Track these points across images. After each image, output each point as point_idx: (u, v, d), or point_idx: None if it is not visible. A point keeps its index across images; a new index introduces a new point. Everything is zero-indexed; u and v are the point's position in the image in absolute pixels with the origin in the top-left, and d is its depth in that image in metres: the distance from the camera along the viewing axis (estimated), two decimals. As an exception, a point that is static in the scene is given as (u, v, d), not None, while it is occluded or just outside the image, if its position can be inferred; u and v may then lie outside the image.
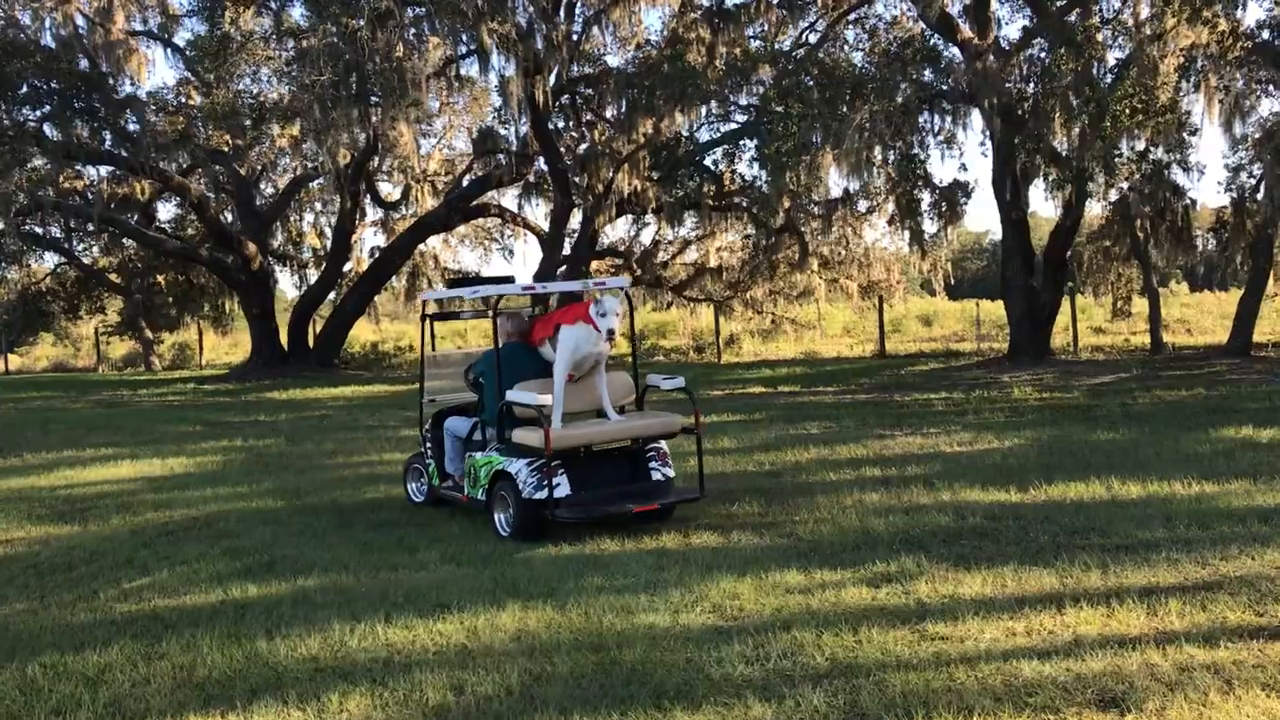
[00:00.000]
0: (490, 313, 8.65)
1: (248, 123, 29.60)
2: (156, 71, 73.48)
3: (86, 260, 36.56)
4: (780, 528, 7.77)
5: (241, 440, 14.62)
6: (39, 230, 33.40)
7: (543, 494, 7.68)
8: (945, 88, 18.86)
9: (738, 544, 7.33)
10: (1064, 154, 19.62)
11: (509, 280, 9.36)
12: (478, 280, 9.60)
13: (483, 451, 8.38)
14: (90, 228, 32.94)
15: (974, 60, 18.81)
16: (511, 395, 8.00)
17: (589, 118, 30.36)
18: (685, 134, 20.55)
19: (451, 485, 8.94)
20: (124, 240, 33.50)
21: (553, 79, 26.11)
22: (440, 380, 9.83)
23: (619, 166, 26.16)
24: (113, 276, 37.14)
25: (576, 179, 27.62)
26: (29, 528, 9.24)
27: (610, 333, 7.84)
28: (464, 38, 21.97)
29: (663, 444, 8.41)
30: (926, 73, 19.68)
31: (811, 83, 17.26)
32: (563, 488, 7.75)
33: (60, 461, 13.14)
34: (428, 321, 9.71)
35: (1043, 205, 43.67)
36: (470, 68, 27.67)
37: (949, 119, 19.38)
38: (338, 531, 8.42)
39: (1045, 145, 18.88)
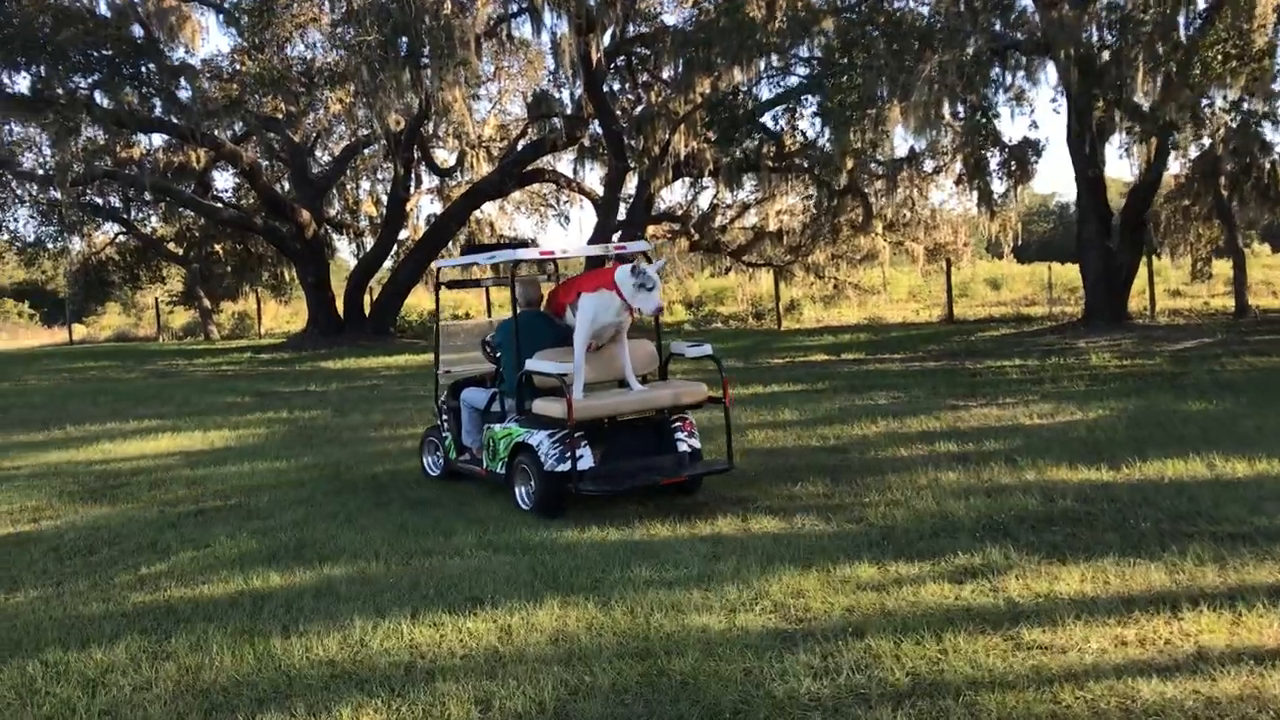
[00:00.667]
0: (509, 280, 8.33)
1: (300, 89, 29.30)
2: (210, 39, 73.70)
3: (145, 230, 36.63)
4: (848, 511, 7.10)
5: (288, 412, 14.22)
6: (98, 200, 33.54)
7: (565, 466, 7.33)
8: (1019, 38, 17.78)
9: (802, 530, 6.68)
10: (1146, 108, 18.49)
11: (525, 245, 8.91)
12: (494, 246, 9.13)
13: (501, 423, 8.02)
14: (147, 197, 32.97)
15: (1048, 9, 17.74)
16: (531, 364, 7.63)
17: (645, 79, 29.61)
18: (744, 90, 19.54)
19: (469, 458, 8.59)
20: (181, 209, 33.44)
21: (607, 38, 25.39)
22: (456, 351, 9.56)
23: (675, 127, 25.41)
24: (171, 246, 37.20)
25: (632, 142, 26.91)
26: (58, 506, 8.85)
27: (658, 310, 7.51)
28: (515, -5, 21.24)
29: (688, 414, 8.02)
30: (996, 24, 18.62)
31: (877, 33, 16.25)
32: (586, 459, 7.40)
33: (102, 434, 12.82)
34: (476, 290, 9.20)
35: (1115, 165, 42.02)
36: (522, 27, 27.04)
37: (1021, 73, 18.28)
38: (373, 511, 7.90)
39: (1126, 98, 17.76)
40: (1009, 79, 17.95)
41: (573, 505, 7.57)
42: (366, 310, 30.98)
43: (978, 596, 5.20)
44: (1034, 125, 36.99)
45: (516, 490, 7.77)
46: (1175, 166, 22.63)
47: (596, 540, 6.68)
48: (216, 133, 25.65)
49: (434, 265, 9.46)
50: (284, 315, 41.18)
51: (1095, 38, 18.73)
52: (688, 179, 30.76)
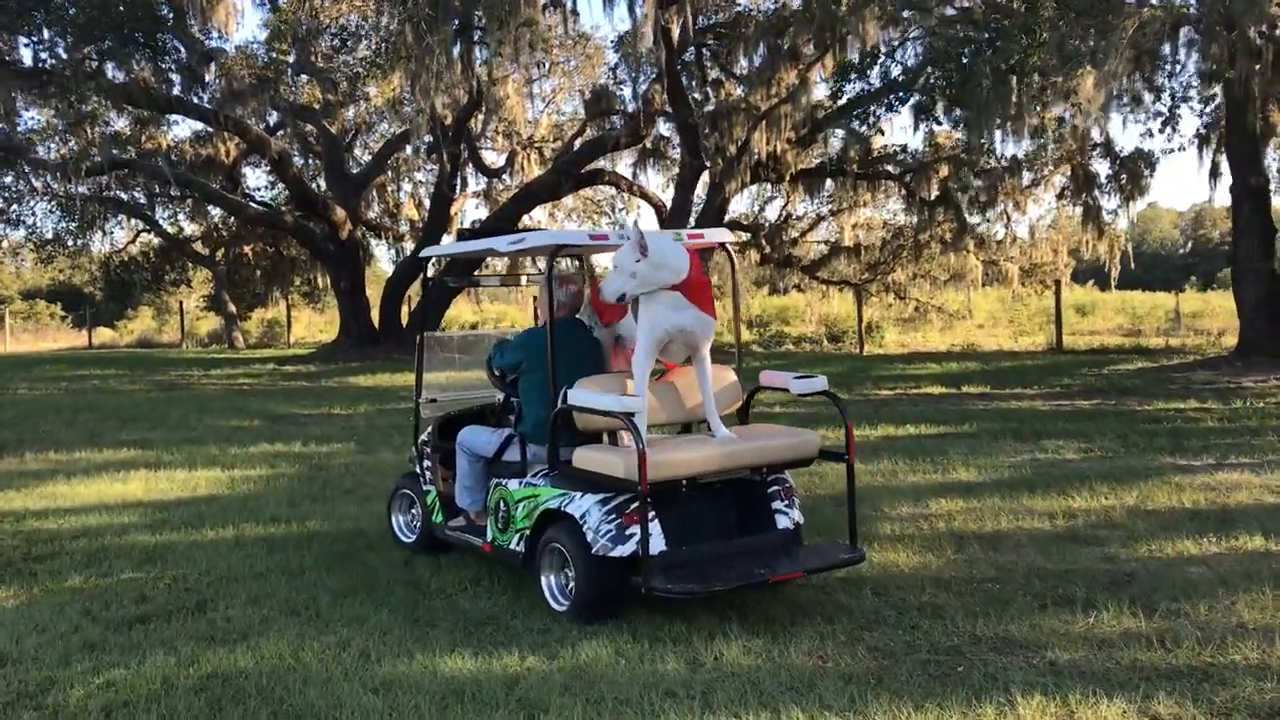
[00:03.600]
0: (525, 277, 6.71)
1: (342, 81, 26.75)
2: (246, 25, 72.58)
3: (171, 229, 34.13)
4: (1228, 682, 4.07)
5: (301, 443, 11.33)
6: (121, 195, 31.10)
7: (626, 549, 4.99)
8: (1195, 12, 14.67)
9: (1186, 736, 3.67)
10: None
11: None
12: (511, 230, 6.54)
13: (520, 480, 5.63)
14: (172, 192, 30.44)
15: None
16: (577, 396, 5.27)
17: (715, 75, 26.70)
18: (889, 47, 15.92)
19: (464, 525, 6.19)
20: (208, 205, 30.83)
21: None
22: (448, 373, 7.30)
23: (756, 124, 22.56)
24: (198, 246, 34.68)
25: (705, 141, 24.06)
26: (-55, 591, 5.99)
27: (621, 297, 5.27)
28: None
29: (788, 476, 5.69)
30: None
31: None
32: (656, 540, 5.01)
33: (61, 469, 9.96)
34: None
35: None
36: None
37: (1195, 54, 15.11)
38: (405, 640, 4.92)
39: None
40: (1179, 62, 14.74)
41: (638, 607, 4.95)
42: (404, 320, 28.23)
43: None
44: (1169, 126, 31.44)
45: (545, 580, 5.40)
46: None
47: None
48: (243, 117, 22.86)
49: (426, 252, 6.50)
50: (318, 324, 38.58)
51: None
52: (756, 187, 27.99)
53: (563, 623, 5.07)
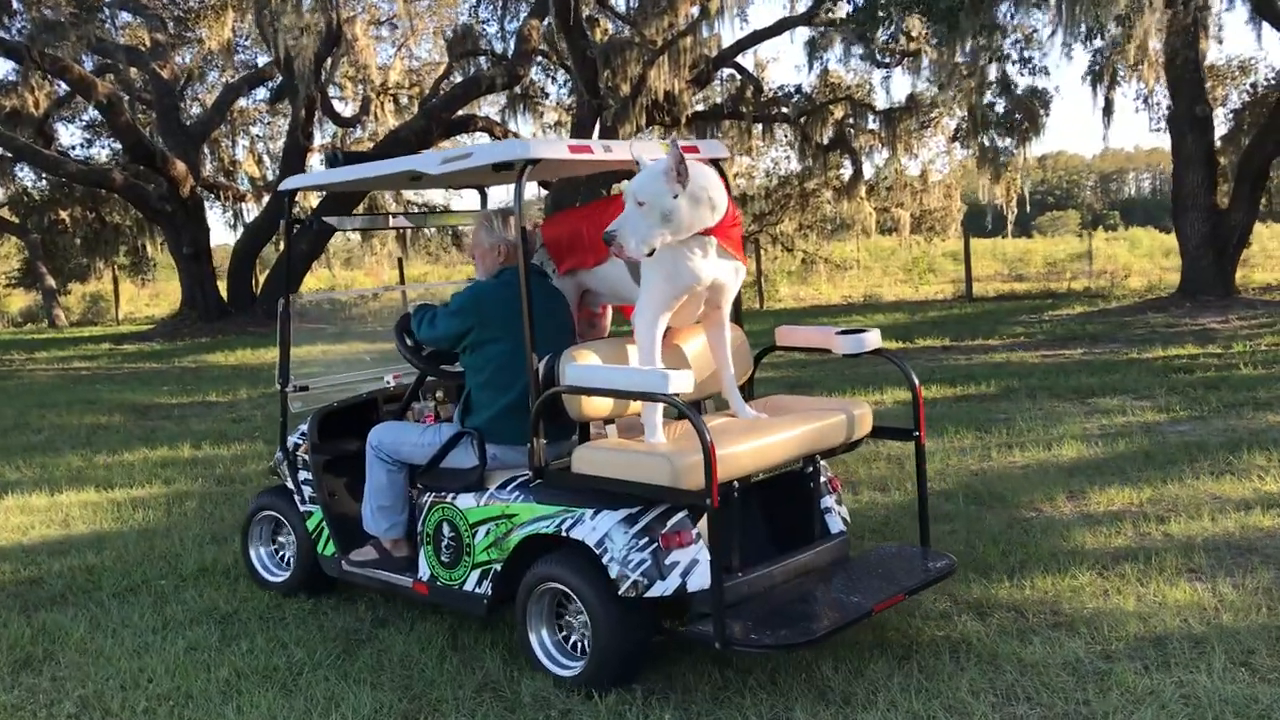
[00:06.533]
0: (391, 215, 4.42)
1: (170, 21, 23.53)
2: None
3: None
4: None
5: (191, 445, 8.85)
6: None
7: (668, 585, 3.56)
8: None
9: None
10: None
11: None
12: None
13: (477, 495, 4.08)
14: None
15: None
16: (585, 373, 3.72)
17: (589, 12, 24.51)
18: None
19: (375, 559, 4.54)
20: (16, 162, 26.83)
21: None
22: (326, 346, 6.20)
23: (653, 59, 20.65)
24: (4, 213, 30.56)
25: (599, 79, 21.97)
26: None
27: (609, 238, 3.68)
28: None
29: (827, 466, 4.46)
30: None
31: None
32: (704, 569, 3.60)
33: None
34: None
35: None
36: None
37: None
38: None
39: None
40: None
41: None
42: (256, 289, 25.18)
43: None
44: (1046, 70, 30.49)
45: (534, 637, 3.93)
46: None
47: None
48: (61, 55, 19.44)
49: (288, 184, 4.90)
50: (142, 299, 34.86)
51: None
52: (639, 133, 26.11)
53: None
